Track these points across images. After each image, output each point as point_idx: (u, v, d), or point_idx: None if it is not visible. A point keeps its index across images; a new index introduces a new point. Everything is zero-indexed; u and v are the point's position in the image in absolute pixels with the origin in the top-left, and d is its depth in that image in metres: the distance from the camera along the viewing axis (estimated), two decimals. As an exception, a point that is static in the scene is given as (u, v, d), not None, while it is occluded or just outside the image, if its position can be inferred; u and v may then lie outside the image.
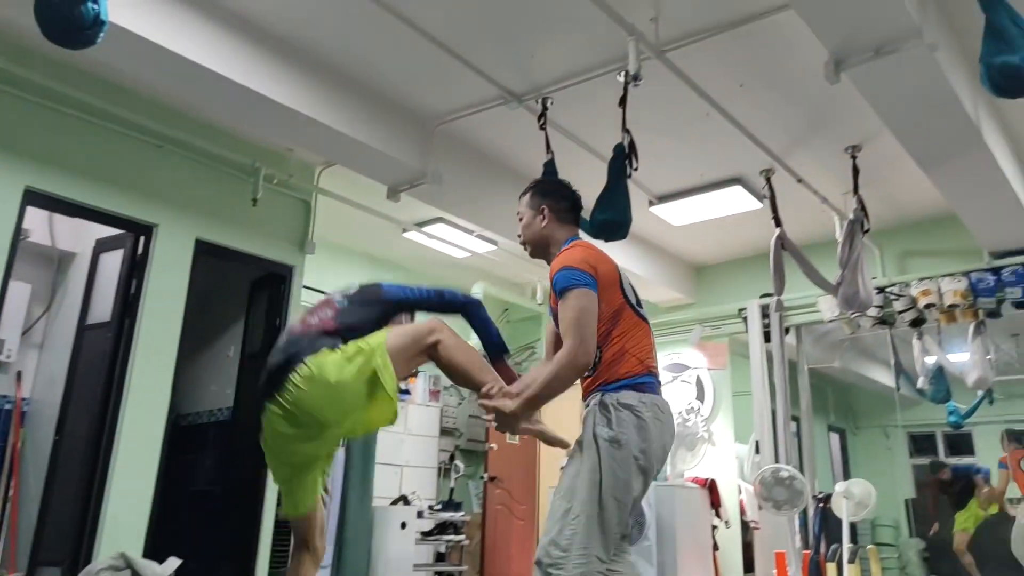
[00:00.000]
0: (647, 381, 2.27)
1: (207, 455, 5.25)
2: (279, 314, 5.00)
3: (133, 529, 4.03)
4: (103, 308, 4.39)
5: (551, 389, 2.23)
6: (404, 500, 5.74)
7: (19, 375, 4.65)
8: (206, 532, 4.90)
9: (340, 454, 5.18)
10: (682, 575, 5.33)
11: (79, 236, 4.91)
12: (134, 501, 4.07)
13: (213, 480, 5.13)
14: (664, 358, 7.04)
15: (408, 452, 6.48)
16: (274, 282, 5.08)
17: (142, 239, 4.36)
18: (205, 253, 4.61)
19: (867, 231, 4.68)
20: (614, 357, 2.26)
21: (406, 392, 6.64)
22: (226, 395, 5.23)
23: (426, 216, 5.95)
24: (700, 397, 6.71)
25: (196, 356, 5.49)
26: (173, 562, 3.97)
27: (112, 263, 4.46)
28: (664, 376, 6.92)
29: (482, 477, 7.19)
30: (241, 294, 5.35)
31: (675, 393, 6.86)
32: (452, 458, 7.12)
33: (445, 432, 7.14)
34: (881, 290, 5.74)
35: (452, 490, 6.58)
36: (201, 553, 4.71)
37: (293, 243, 5.11)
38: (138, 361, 4.19)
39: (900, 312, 5.83)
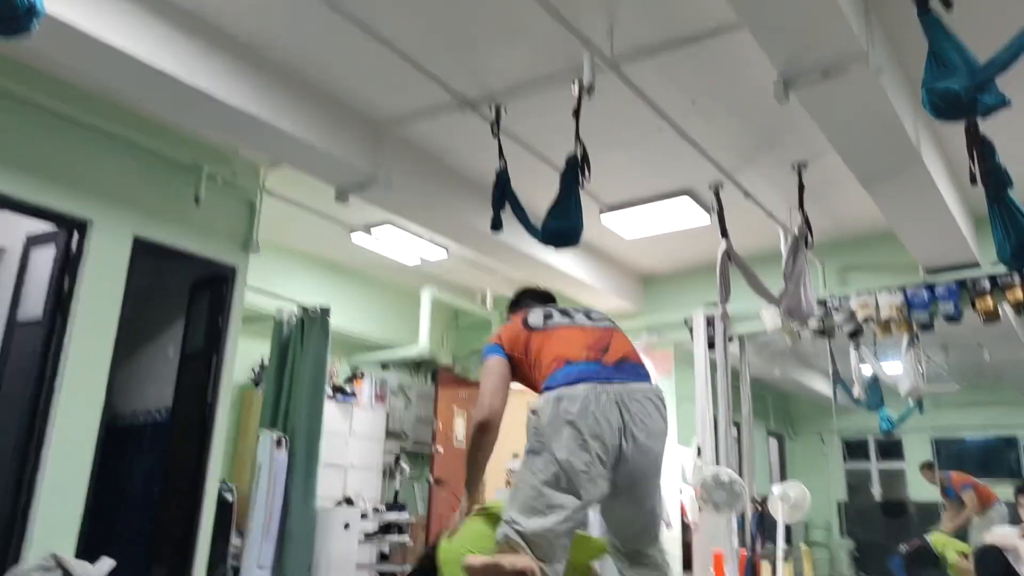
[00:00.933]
0: (560, 373, 2.26)
1: (144, 456, 5.10)
2: (221, 314, 4.87)
3: (65, 530, 3.89)
4: (34, 305, 4.21)
5: (470, 463, 2.45)
6: (348, 501, 5.68)
7: (-58, 373, 4.44)
8: (142, 534, 4.76)
9: (284, 457, 5.08)
10: None
11: (8, 230, 4.68)
12: (66, 501, 3.93)
13: (149, 481, 4.98)
14: (611, 363, 7.10)
15: (353, 454, 6.41)
16: (216, 282, 4.95)
17: (76, 235, 4.18)
18: (144, 251, 4.46)
19: (810, 246, 4.81)
20: (536, 377, 2.34)
21: (352, 395, 6.57)
22: (164, 395, 5.08)
23: (376, 219, 5.89)
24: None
25: (133, 355, 5.32)
26: (106, 563, 3.85)
27: (44, 259, 4.27)
28: (611, 381, 7.01)
29: (428, 480, 7.16)
30: (181, 293, 5.19)
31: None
32: (398, 460, 7.08)
33: (391, 435, 7.08)
34: (822, 303, 5.91)
35: (397, 492, 6.54)
36: (136, 555, 4.58)
37: (236, 243, 4.97)
38: (71, 361, 4.04)
39: (839, 324, 6.02)
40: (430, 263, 6.63)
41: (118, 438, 5.11)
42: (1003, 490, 6.71)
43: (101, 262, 4.23)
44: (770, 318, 6.17)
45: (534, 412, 2.21)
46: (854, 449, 9.07)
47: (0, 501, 3.82)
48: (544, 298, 2.80)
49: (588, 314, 2.53)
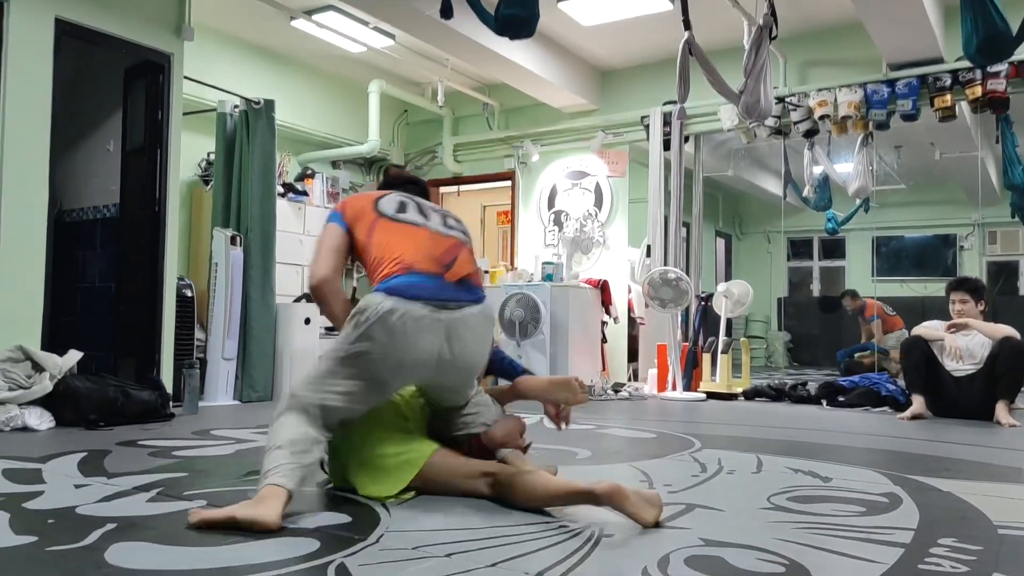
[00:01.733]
0: (400, 280, 2.13)
1: (97, 252, 5.09)
2: (160, 107, 4.67)
3: (27, 324, 3.96)
4: (-42, 92, 3.97)
5: (328, 316, 2.35)
6: (307, 298, 5.82)
7: None
8: (105, 327, 4.87)
9: (239, 254, 5.12)
10: (572, 364, 5.78)
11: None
12: (25, 296, 3.97)
13: (106, 276, 5.01)
14: (565, 164, 7.11)
15: (308, 253, 6.45)
16: (151, 71, 4.69)
17: (-7, 14, 3.88)
18: (68, 35, 4.17)
19: (774, 38, 4.69)
20: (374, 269, 2.21)
21: (303, 193, 6.51)
22: (111, 192, 4.98)
23: (317, 3, 5.51)
24: (598, 203, 6.91)
25: (73, 150, 5.13)
26: (74, 354, 3.97)
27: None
28: (565, 183, 7.05)
29: (385, 277, 7.33)
30: (116, 84, 4.92)
31: (575, 200, 7.02)
32: (354, 259, 7.18)
33: (347, 233, 7.12)
34: (780, 100, 5.88)
35: (355, 288, 6.70)
36: (102, 348, 4.72)
37: (169, 28, 4.66)
38: (7, 152, 3.90)
39: (796, 123, 6.04)
40: (377, 53, 6.33)
41: (69, 234, 5.07)
42: (937, 286, 7.18)
43: (24, 45, 3.97)
44: (728, 116, 6.15)
45: (360, 310, 2.10)
46: (798, 248, 9.46)
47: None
48: (412, 186, 2.56)
49: (445, 219, 2.37)
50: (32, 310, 4.01)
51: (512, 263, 7.20)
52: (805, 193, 7.03)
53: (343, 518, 1.93)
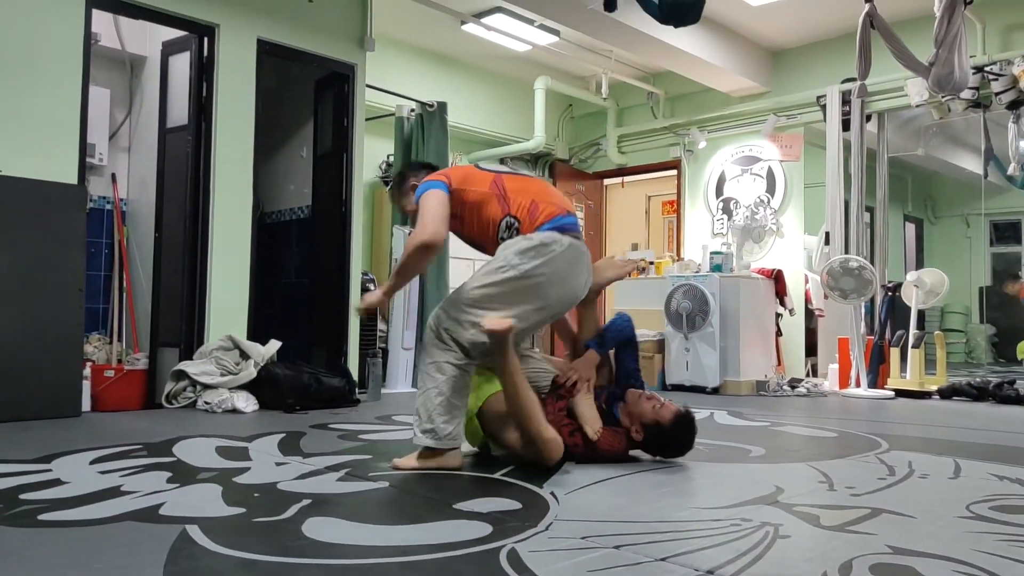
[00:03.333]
0: (557, 223, 2.49)
1: (293, 250, 5.59)
2: (345, 114, 5.05)
3: (235, 315, 4.43)
4: (180, 111, 4.51)
5: (403, 268, 2.55)
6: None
7: (113, 177, 4.93)
8: (299, 320, 5.34)
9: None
10: (744, 358, 5.57)
11: (146, 39, 4.94)
12: (233, 290, 4.44)
13: (300, 272, 5.49)
14: (734, 150, 6.85)
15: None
16: (338, 81, 5.07)
17: (206, 40, 4.37)
18: (267, 53, 4.61)
19: (970, 2, 4.25)
20: (530, 209, 2.50)
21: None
22: (304, 194, 5.44)
23: (485, 6, 5.68)
24: (770, 190, 6.59)
25: (272, 157, 5.66)
26: (274, 344, 4.39)
27: (181, 66, 4.51)
28: (734, 170, 6.79)
29: (551, 270, 7.45)
30: (307, 94, 5.38)
31: (745, 186, 6.75)
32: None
33: (514, 228, 7.30)
34: (979, 69, 5.31)
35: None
36: (297, 338, 5.18)
37: (352, 41, 5.02)
38: (218, 162, 4.37)
39: (998, 93, 5.43)
40: (542, 50, 6.42)
41: (269, 235, 5.60)
42: None
43: (232, 66, 4.43)
44: (916, 91, 5.64)
45: (544, 242, 2.41)
46: (1003, 232, 8.49)
47: (180, 292, 4.37)
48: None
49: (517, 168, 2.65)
50: (240, 303, 4.47)
51: (678, 254, 7.05)
52: (1010, 171, 6.29)
53: (514, 504, 2.00)
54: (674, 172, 7.33)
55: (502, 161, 7.46)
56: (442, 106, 5.63)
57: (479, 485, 2.25)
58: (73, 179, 3.74)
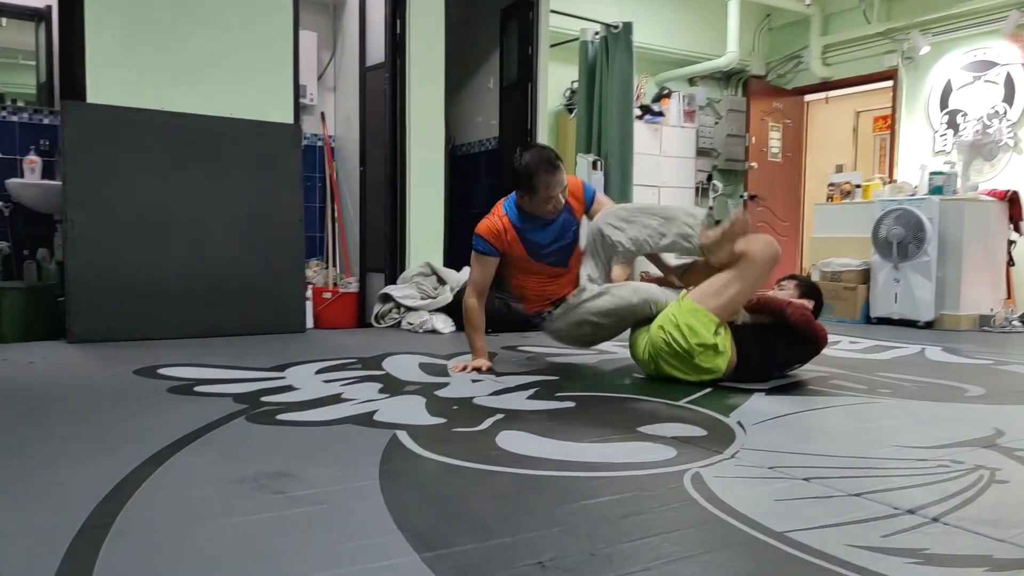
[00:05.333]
0: None
1: (482, 181, 5.78)
2: (530, 43, 5.06)
3: (432, 243, 4.72)
4: (377, 49, 4.76)
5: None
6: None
7: (323, 116, 5.35)
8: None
9: (600, 177, 5.40)
10: (965, 290, 5.06)
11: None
12: (429, 220, 4.71)
13: (489, 202, 5.66)
14: (964, 55, 6.06)
15: (665, 173, 6.55)
16: (523, 8, 5.07)
17: (398, -22, 4.54)
18: (455, -14, 4.71)
19: None
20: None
21: (660, 114, 6.54)
22: (491, 126, 5.58)
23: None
24: (1008, 99, 5.78)
25: (461, 90, 5.83)
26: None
27: (377, 5, 4.73)
28: (963, 77, 6.03)
29: (742, 196, 7.12)
30: (493, 25, 5.44)
31: (976, 96, 5.96)
32: (710, 178, 7.08)
33: (702, 152, 7.04)
34: None
35: (711, 208, 6.63)
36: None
37: (537, -36, 4.98)
38: (413, 97, 4.59)
39: None
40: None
41: (460, 166, 5.83)
42: None
43: (422, 1, 4.56)
44: None
45: None
46: None
47: (383, 222, 4.70)
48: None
49: None
50: (435, 232, 4.74)
51: (891, 175, 6.44)
52: None
53: (699, 431, 2.01)
54: (889, 83, 6.63)
55: (691, 82, 7.15)
56: (627, 27, 5.46)
57: (664, 410, 2.28)
58: (289, 119, 4.10)
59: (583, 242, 3.00)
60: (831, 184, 6.19)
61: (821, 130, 7.83)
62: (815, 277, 5.83)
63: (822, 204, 6.17)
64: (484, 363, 2.95)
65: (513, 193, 2.99)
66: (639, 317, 2.81)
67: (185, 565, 1.13)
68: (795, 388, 2.69)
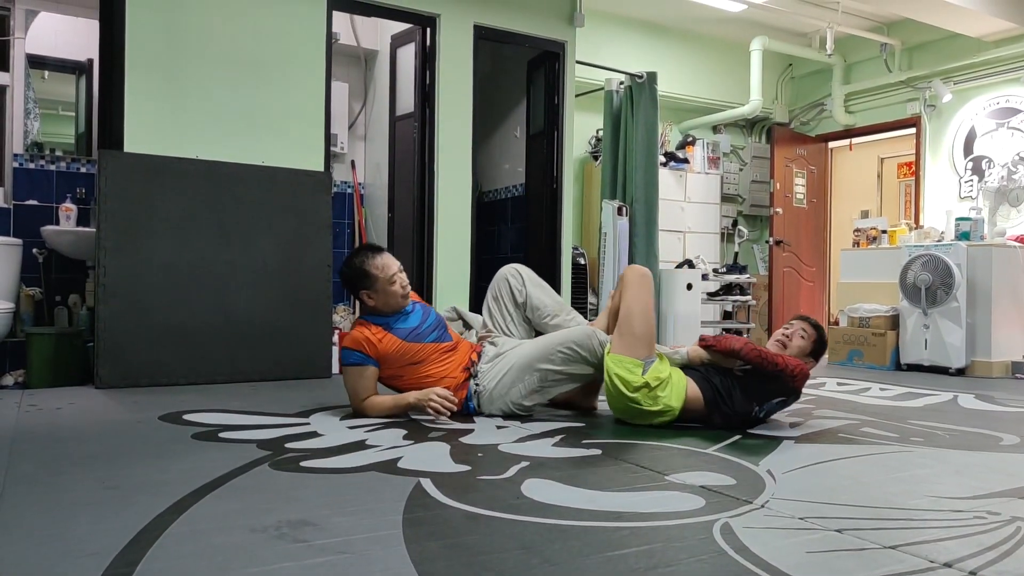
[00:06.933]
0: None
1: (508, 227, 5.84)
2: (556, 92, 5.14)
3: (458, 288, 4.75)
4: (407, 99, 4.88)
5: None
6: (688, 264, 5.93)
7: (353, 164, 5.46)
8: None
9: (625, 223, 5.43)
10: (996, 336, 4.96)
11: (377, 34, 5.39)
12: (456, 265, 4.75)
13: (516, 247, 5.73)
14: (987, 102, 6.05)
15: (690, 219, 6.56)
16: (549, 60, 5.18)
17: (428, 31, 4.66)
18: (483, 38, 4.81)
19: None
20: None
21: (684, 161, 6.58)
22: (518, 172, 5.65)
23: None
24: (1035, 144, 5.75)
25: (488, 138, 5.93)
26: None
27: (408, 57, 4.87)
28: (986, 124, 6.02)
29: (767, 241, 7.10)
30: (520, 75, 5.55)
31: (1000, 143, 5.94)
32: (735, 223, 7.08)
33: (726, 198, 7.05)
34: None
35: (736, 254, 6.61)
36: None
37: (563, 18, 5.08)
38: (441, 145, 4.67)
39: None
40: (759, 8, 6.06)
41: (487, 212, 5.89)
42: None
43: (452, 53, 4.69)
44: None
45: None
46: None
47: (412, 269, 4.74)
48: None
49: None
50: (462, 277, 4.77)
51: (916, 221, 6.39)
52: None
53: (727, 480, 1.98)
54: (912, 130, 6.63)
55: (715, 129, 7.20)
56: (651, 76, 5.55)
57: (692, 458, 2.24)
58: (320, 167, 4.19)
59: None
60: (857, 230, 6.16)
61: (845, 176, 7.82)
62: (843, 323, 5.76)
63: (848, 250, 6.13)
64: (429, 393, 2.74)
65: (363, 316, 2.93)
66: (575, 351, 2.81)
67: (209, 613, 1.12)
68: (825, 436, 2.64)
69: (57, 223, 4.33)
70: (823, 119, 7.27)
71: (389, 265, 2.82)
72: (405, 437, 2.48)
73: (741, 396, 2.67)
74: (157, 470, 2.01)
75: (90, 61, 4.55)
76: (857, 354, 5.45)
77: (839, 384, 4.31)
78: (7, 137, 4.37)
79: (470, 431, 2.63)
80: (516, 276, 3.11)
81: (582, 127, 6.11)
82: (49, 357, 3.71)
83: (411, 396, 2.78)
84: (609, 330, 2.91)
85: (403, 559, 1.35)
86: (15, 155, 4.37)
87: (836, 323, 6.27)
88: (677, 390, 2.66)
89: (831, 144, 7.48)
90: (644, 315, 2.69)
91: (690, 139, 6.83)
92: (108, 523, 1.53)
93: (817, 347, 2.83)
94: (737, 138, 7.36)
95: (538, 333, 3.07)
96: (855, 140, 7.42)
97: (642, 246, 5.48)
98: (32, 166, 4.40)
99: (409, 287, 2.90)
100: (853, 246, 6.12)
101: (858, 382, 4.45)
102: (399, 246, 4.90)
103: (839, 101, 6.98)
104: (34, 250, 4.29)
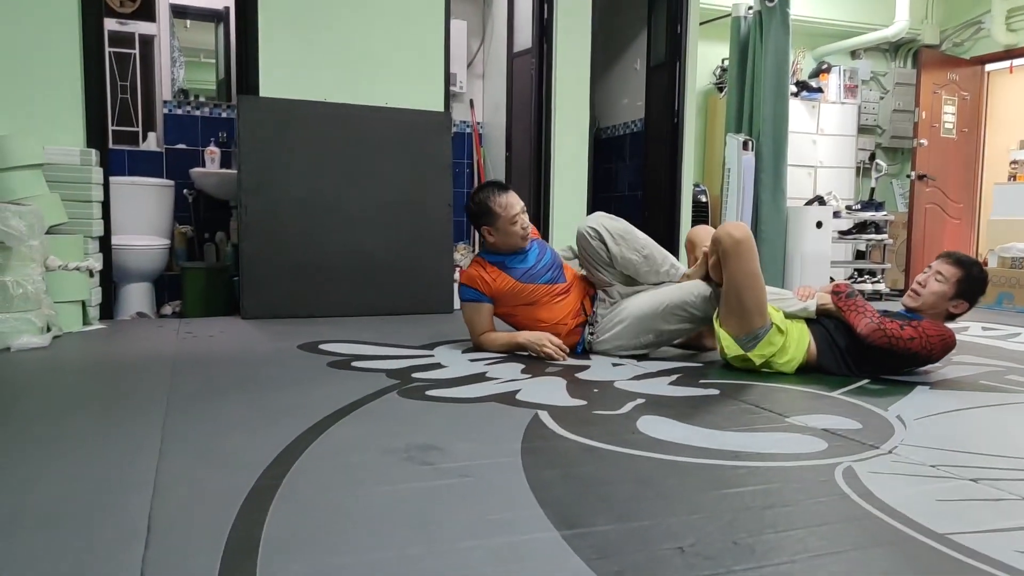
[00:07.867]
0: None
1: (626, 163, 5.74)
2: (679, 21, 4.93)
3: (574, 227, 4.70)
4: (525, 36, 4.82)
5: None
6: (819, 200, 5.63)
7: (471, 103, 5.50)
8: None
9: (751, 158, 5.20)
10: None
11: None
12: (573, 203, 4.74)
13: (634, 185, 5.63)
14: None
15: (822, 153, 6.20)
16: (673, -14, 4.96)
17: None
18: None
19: None
20: None
21: (818, 90, 6.18)
22: (637, 107, 5.51)
23: None
24: None
25: (606, 72, 5.79)
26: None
27: (525, -8, 4.79)
28: None
29: (909, 175, 6.60)
30: (640, 5, 5.35)
31: None
32: (872, 157, 6.62)
33: (864, 130, 6.59)
34: None
35: (872, 190, 6.20)
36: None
37: (689, -61, 4.84)
38: (559, 82, 4.62)
39: None
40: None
41: (604, 149, 5.81)
42: None
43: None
44: None
45: None
46: None
47: (531, 208, 4.76)
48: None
49: None
50: (579, 215, 4.74)
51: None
52: None
53: (853, 424, 1.92)
54: (1087, 48, 5.90)
55: (854, 55, 6.69)
56: (783, 0, 5.19)
57: (816, 401, 2.19)
58: (440, 107, 4.25)
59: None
60: (1014, 162, 5.62)
61: (1003, 103, 7.10)
62: (992, 263, 5.33)
63: (1002, 184, 5.61)
64: (542, 338, 2.78)
65: (481, 252, 2.95)
66: (691, 312, 2.77)
67: (345, 528, 1.23)
68: (964, 383, 2.50)
69: (203, 165, 4.65)
70: (980, 39, 6.58)
71: (512, 204, 2.85)
72: (523, 371, 2.55)
73: (870, 368, 2.53)
74: (298, 394, 2.17)
75: (227, 9, 4.78)
76: (1007, 296, 5.05)
77: (984, 328, 4.03)
78: (157, 85, 4.70)
79: (586, 367, 2.67)
80: (595, 237, 2.91)
81: (706, 57, 5.84)
82: (201, 290, 4.04)
83: (521, 337, 2.84)
84: (707, 278, 2.78)
85: (522, 485, 1.41)
86: (164, 102, 4.70)
87: (985, 264, 5.80)
88: (798, 349, 2.56)
89: (988, 67, 6.78)
90: (751, 286, 2.52)
91: (825, 66, 6.39)
92: (257, 440, 1.68)
93: (965, 287, 2.48)
94: (879, 63, 6.81)
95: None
96: (1016, 62, 6.69)
97: (769, 182, 5.23)
98: (180, 112, 4.72)
99: (530, 228, 2.93)
100: (1008, 180, 5.60)
101: (1007, 327, 4.13)
102: (517, 185, 4.92)
103: (1000, 18, 6.29)
104: (184, 191, 4.64)
